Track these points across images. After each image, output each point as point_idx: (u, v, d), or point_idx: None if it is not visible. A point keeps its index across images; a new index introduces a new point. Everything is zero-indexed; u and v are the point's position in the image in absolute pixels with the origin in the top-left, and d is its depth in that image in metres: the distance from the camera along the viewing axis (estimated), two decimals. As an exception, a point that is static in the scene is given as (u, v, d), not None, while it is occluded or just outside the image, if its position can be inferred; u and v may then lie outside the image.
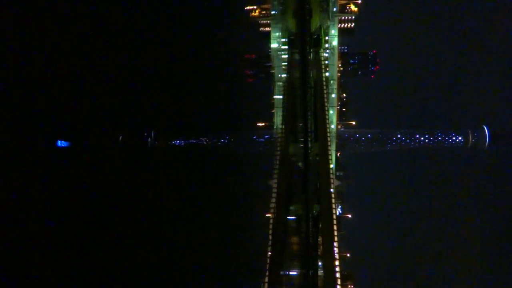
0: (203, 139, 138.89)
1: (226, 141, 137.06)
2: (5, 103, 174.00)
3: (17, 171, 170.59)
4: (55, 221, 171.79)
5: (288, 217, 62.21)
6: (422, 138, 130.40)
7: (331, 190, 59.73)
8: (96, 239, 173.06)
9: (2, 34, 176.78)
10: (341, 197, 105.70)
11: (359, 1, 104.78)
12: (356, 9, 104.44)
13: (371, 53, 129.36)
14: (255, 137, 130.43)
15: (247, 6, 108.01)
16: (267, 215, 64.65)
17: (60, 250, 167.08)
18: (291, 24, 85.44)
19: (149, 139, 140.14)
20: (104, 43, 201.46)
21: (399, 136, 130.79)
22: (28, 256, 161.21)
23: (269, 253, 53.85)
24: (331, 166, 67.42)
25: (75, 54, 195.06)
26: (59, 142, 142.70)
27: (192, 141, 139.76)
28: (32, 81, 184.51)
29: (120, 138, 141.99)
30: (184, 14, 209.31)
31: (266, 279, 51.12)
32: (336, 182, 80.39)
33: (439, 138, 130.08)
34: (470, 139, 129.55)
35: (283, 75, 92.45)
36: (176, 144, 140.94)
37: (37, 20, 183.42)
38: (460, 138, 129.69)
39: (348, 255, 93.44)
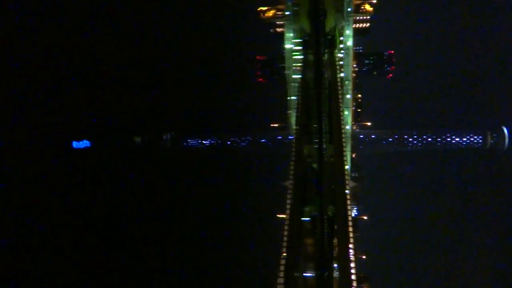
0: (218, 140, 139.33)
1: (241, 142, 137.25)
2: (25, 105, 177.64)
3: (38, 171, 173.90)
4: (76, 220, 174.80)
5: (303, 219, 61.87)
6: (439, 139, 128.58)
7: (347, 191, 59.21)
8: (116, 237, 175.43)
9: (21, 36, 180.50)
10: (357, 199, 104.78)
11: (375, 1, 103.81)
12: (371, 9, 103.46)
13: (387, 53, 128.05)
14: (270, 138, 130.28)
15: (260, 7, 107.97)
16: (281, 216, 64.37)
17: (84, 249, 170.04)
18: (306, 24, 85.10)
19: (167, 140, 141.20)
20: (122, 45, 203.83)
21: (415, 137, 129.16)
22: (46, 256, 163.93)
23: (284, 254, 53.61)
24: (346, 167, 66.86)
25: (95, 56, 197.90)
26: (75, 143, 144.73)
27: (208, 142, 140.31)
28: (53, 83, 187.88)
29: (139, 139, 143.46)
30: (200, 15, 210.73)
31: (281, 281, 50.88)
32: (352, 183, 79.64)
33: (457, 139, 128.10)
34: (489, 140, 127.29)
35: (298, 76, 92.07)
36: (192, 145, 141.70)
37: (56, 21, 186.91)
38: (478, 139, 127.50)
39: (364, 256, 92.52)
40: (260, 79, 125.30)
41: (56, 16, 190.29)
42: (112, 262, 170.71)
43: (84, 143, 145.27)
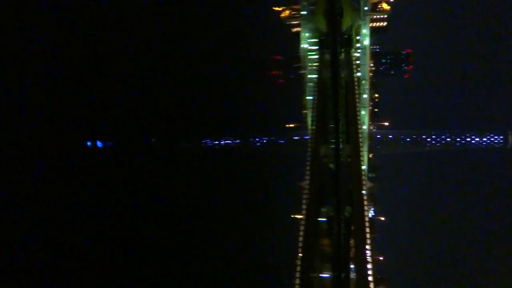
0: (234, 140, 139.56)
1: (257, 142, 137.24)
2: (46, 106, 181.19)
3: (59, 170, 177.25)
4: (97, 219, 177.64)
5: (319, 219, 61.65)
6: (458, 139, 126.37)
7: (363, 192, 58.78)
8: (137, 235, 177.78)
9: (42, 38, 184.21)
10: (374, 199, 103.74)
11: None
12: (388, 7, 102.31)
13: (404, 52, 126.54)
14: (286, 138, 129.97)
15: (276, 7, 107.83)
16: (298, 216, 64.22)
17: (107, 247, 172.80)
18: (322, 24, 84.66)
19: (180, 141, 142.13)
20: (142, 46, 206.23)
21: (434, 137, 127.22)
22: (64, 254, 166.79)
23: (300, 255, 53.53)
24: (363, 167, 66.35)
25: (113, 59, 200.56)
26: (98, 142, 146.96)
27: (224, 142, 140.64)
28: (75, 84, 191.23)
29: (153, 140, 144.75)
30: (217, 16, 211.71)
31: (297, 281, 50.82)
32: (369, 184, 78.97)
33: (477, 139, 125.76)
34: (510, 140, 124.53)
35: (314, 76, 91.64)
36: (208, 145, 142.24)
37: (78, 23, 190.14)
38: (499, 138, 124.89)
39: (381, 258, 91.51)
40: (277, 80, 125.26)
41: (79, 16, 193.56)
42: (131, 261, 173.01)
43: (99, 143, 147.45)
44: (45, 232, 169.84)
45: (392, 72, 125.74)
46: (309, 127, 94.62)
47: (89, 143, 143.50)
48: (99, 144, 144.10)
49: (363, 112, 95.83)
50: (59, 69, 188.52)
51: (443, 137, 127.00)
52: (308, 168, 64.00)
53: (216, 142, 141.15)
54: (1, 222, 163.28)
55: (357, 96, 72.62)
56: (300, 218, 59.87)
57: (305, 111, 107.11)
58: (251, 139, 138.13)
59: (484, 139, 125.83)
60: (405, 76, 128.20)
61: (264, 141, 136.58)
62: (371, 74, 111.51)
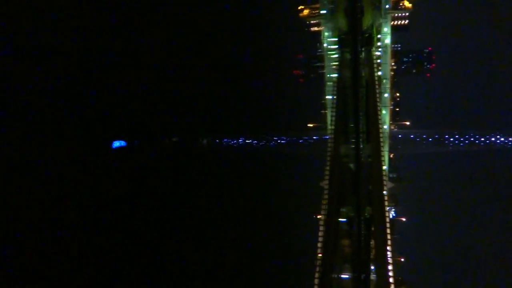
0: (253, 139, 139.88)
1: (276, 141, 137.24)
2: (66, 107, 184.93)
3: (78, 170, 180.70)
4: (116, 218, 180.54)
5: (340, 219, 61.30)
6: (482, 139, 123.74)
7: (384, 192, 58.18)
8: (155, 236, 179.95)
9: (65, 39, 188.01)
10: (395, 200, 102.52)
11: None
12: (410, 5, 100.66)
13: (426, 50, 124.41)
14: (306, 137, 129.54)
15: (297, 7, 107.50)
16: (318, 216, 63.95)
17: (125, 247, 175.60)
18: (342, 23, 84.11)
19: (201, 140, 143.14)
20: (158, 47, 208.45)
21: (457, 136, 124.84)
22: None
23: (320, 255, 53.28)
24: (384, 167, 65.66)
25: (131, 58, 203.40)
26: (115, 142, 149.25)
27: (243, 141, 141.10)
28: (91, 84, 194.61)
29: (175, 139, 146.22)
30: (235, 15, 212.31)
31: (317, 282, 50.61)
32: (389, 184, 78.13)
33: (502, 138, 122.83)
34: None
35: (334, 75, 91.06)
36: (227, 144, 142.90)
37: (94, 24, 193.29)
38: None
39: (402, 259, 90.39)
40: (298, 79, 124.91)
41: (99, 17, 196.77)
42: (154, 259, 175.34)
43: (121, 143, 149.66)
44: (83, 232, 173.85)
45: (414, 71, 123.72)
46: (329, 126, 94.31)
47: (114, 144, 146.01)
48: (119, 143, 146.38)
49: (384, 112, 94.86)
50: (81, 69, 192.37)
51: (466, 136, 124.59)
52: (327, 168, 63.69)
53: (234, 141, 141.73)
54: (32, 221, 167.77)
55: (377, 95, 71.81)
56: (320, 218, 59.64)
57: (325, 111, 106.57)
58: (271, 138, 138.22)
59: (510, 138, 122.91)
60: (427, 75, 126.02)
61: (284, 141, 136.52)
62: (392, 73, 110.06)
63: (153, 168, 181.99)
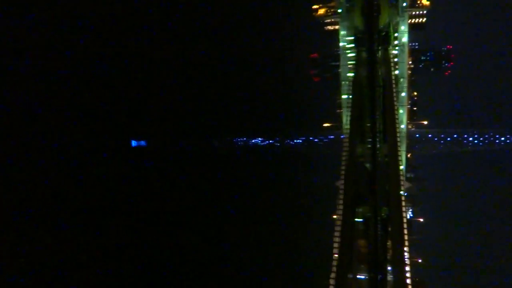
0: (269, 140, 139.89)
1: (292, 141, 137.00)
2: (85, 106, 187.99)
3: (98, 169, 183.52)
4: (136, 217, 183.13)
5: (356, 219, 60.99)
6: (502, 138, 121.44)
7: (401, 192, 57.70)
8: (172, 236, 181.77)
9: (86, 40, 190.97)
10: (412, 200, 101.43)
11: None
12: (428, 3, 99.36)
13: (445, 48, 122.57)
14: (321, 137, 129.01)
15: (313, 5, 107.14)
16: (333, 216, 63.73)
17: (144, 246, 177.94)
18: (359, 21, 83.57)
19: (214, 141, 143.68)
20: (179, 48, 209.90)
21: (476, 136, 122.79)
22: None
23: (336, 255, 53.13)
24: (401, 167, 65.05)
25: (150, 60, 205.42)
26: (133, 142, 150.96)
27: (259, 141, 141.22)
28: (112, 85, 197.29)
29: (193, 139, 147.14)
30: (251, 15, 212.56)
31: (332, 282, 50.49)
32: (407, 184, 77.42)
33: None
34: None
35: (350, 74, 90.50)
36: (243, 144, 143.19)
37: (115, 24, 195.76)
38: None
39: (420, 260, 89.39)
40: (313, 78, 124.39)
41: (123, 18, 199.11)
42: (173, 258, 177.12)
43: (141, 143, 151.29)
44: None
45: (432, 70, 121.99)
46: (345, 126, 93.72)
47: (133, 143, 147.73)
48: (139, 143, 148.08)
49: (401, 111, 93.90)
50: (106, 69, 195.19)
51: (486, 136, 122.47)
52: (343, 168, 63.48)
53: (251, 141, 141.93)
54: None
55: (394, 94, 71.18)
56: (336, 218, 59.45)
57: (340, 110, 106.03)
58: (286, 138, 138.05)
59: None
60: (446, 74, 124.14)
61: (300, 140, 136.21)
62: (410, 72, 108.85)
63: (176, 166, 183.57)
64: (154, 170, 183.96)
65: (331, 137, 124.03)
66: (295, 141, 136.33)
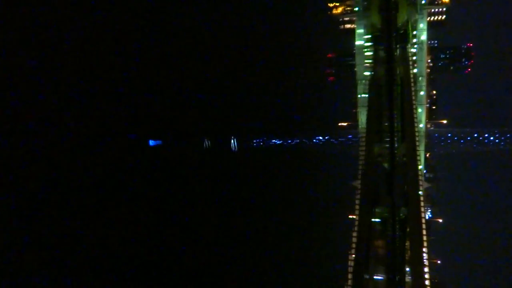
0: (286, 140, 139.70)
1: (309, 141, 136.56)
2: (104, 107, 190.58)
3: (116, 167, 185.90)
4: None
5: (373, 220, 60.43)
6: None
7: (420, 192, 56.98)
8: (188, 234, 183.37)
9: (105, 41, 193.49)
10: (431, 200, 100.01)
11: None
12: (447, 0, 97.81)
13: (465, 46, 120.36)
14: (338, 137, 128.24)
15: (330, 4, 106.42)
16: (351, 216, 63.33)
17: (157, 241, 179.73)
18: (376, 19, 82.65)
19: (232, 142, 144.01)
20: (194, 48, 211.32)
21: (497, 135, 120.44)
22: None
23: (353, 255, 52.79)
24: (420, 167, 64.18)
25: (167, 63, 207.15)
26: (151, 141, 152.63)
27: (276, 141, 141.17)
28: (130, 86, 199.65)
29: (206, 141, 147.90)
30: (268, 14, 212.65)
31: (350, 283, 50.17)
32: (425, 184, 76.37)
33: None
34: None
35: (368, 73, 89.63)
36: (259, 145, 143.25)
37: (145, 25, 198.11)
38: None
39: (439, 262, 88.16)
40: (330, 77, 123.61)
41: (146, 20, 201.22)
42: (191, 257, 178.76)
43: (157, 142, 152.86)
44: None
45: (451, 68, 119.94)
46: (361, 125, 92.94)
47: (151, 143, 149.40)
48: (156, 142, 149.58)
49: (419, 110, 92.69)
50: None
51: (508, 135, 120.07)
52: (360, 167, 62.99)
53: (268, 141, 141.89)
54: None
55: (413, 93, 70.24)
56: (353, 218, 59.06)
57: (357, 110, 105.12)
58: (303, 138, 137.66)
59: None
60: (466, 72, 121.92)
61: (317, 139, 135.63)
62: (428, 70, 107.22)
63: (194, 166, 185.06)
64: (174, 169, 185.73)
65: (350, 136, 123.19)
66: (313, 140, 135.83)
